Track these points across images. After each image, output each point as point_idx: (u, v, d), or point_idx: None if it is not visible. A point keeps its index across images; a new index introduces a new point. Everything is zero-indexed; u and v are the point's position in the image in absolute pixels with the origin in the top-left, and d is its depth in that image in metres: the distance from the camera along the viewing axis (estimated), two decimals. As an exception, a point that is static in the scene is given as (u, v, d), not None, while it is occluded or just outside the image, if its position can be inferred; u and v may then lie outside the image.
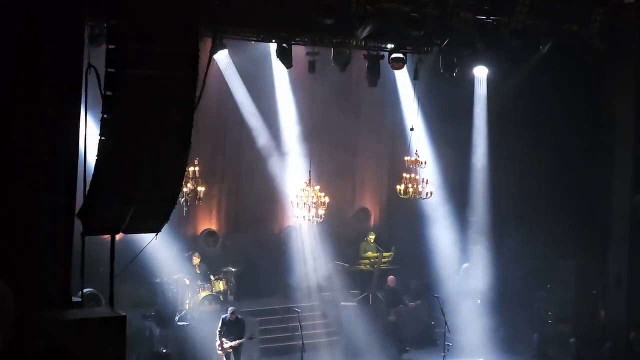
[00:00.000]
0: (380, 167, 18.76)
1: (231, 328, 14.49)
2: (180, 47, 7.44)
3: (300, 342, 15.13)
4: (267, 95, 17.53)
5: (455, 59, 15.95)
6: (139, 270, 13.45)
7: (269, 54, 16.24)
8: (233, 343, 14.44)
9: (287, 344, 16.07)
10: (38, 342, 7.23)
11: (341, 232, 18.84)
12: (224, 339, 14.42)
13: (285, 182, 17.64)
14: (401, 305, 16.54)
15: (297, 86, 17.53)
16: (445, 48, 15.55)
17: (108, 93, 7.45)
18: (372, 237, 18.26)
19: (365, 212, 19.36)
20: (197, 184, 15.35)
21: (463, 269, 18.38)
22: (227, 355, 14.57)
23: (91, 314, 9.00)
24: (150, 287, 15.84)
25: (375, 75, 16.86)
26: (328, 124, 18.27)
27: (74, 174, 8.67)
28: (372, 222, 19.27)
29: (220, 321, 14.57)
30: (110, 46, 7.47)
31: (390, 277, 16.99)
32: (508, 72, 17.03)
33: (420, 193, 16.33)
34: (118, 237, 9.00)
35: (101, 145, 7.66)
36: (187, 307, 15.51)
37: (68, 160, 8.56)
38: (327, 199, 15.76)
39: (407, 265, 18.60)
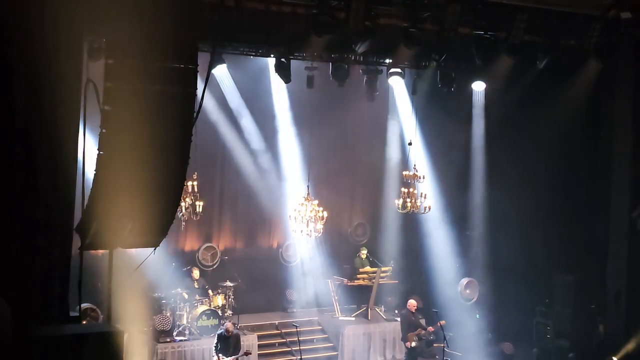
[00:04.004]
0: (379, 181, 18.76)
1: (227, 343, 14.44)
2: (178, 62, 7.48)
3: (299, 357, 15.11)
4: (266, 109, 17.57)
5: (453, 74, 15.99)
6: (137, 285, 13.40)
7: (268, 69, 16.29)
8: (230, 359, 14.39)
9: (285, 359, 16.04)
10: (34, 357, 7.20)
11: (339, 247, 18.83)
12: (220, 355, 14.37)
13: (284, 197, 17.65)
14: (422, 331, 15.79)
15: (296, 101, 17.56)
16: (443, 63, 15.63)
17: (106, 108, 7.48)
18: (364, 252, 18.25)
19: (363, 226, 19.35)
20: (195, 198, 15.37)
21: (462, 283, 18.37)
22: (225, 371, 14.52)
23: (89, 329, 8.97)
24: (148, 302, 15.81)
25: (374, 89, 16.92)
26: (326, 138, 18.28)
27: (72, 188, 8.67)
28: (369, 236, 19.24)
29: (217, 336, 14.52)
30: (109, 61, 7.50)
31: (412, 300, 16.08)
32: (506, 87, 17.06)
33: (418, 207, 16.32)
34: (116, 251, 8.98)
35: (99, 159, 7.67)
36: (185, 321, 15.48)
37: (66, 174, 8.56)
38: (325, 214, 15.75)
39: (405, 279, 18.59)
